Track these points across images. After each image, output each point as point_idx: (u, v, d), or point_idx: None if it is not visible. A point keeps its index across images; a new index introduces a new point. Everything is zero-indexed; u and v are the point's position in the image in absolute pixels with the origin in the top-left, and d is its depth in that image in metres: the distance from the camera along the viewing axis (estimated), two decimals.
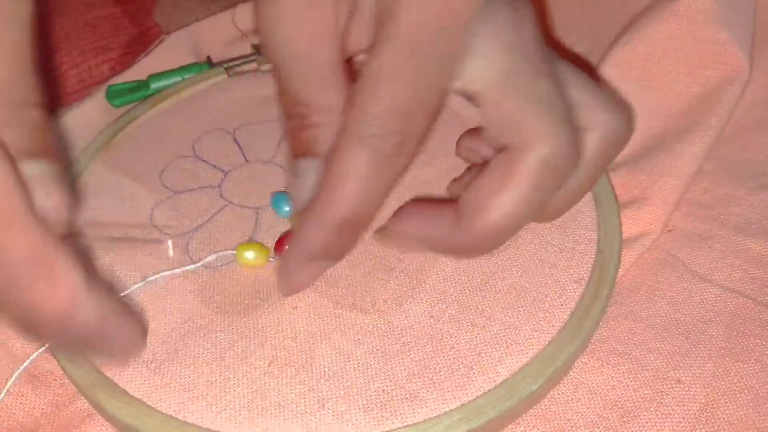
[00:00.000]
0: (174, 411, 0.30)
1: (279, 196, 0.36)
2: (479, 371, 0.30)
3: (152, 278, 0.34)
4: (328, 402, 0.29)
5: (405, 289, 0.33)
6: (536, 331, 0.31)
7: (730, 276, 0.35)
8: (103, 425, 0.32)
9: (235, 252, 0.35)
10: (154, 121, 0.42)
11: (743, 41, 0.40)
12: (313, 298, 0.33)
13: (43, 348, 0.32)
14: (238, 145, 0.40)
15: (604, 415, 0.31)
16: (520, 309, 0.32)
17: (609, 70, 0.42)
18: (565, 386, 0.32)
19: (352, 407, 0.29)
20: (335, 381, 0.30)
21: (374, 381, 0.30)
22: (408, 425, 0.29)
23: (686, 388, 0.31)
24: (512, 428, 0.31)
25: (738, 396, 0.31)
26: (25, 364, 0.33)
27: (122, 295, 0.34)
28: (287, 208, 0.36)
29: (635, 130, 0.40)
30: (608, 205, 0.36)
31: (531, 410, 0.31)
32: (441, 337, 0.31)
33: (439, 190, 0.37)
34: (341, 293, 0.33)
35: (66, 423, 0.32)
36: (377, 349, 0.31)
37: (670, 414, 0.30)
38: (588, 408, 0.31)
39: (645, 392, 0.31)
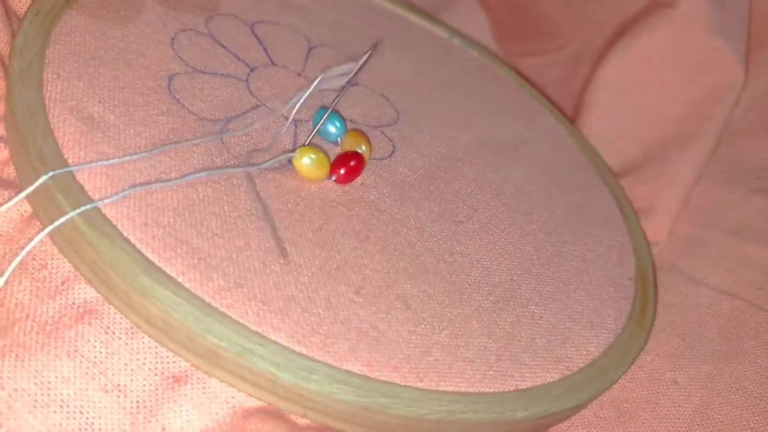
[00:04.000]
0: (253, 323, 0.23)
1: (325, 114, 0.30)
2: (573, 347, 0.28)
3: (214, 171, 0.26)
4: (433, 350, 0.25)
5: (479, 246, 0.30)
6: (610, 317, 0.30)
7: (725, 279, 0.36)
8: (108, 327, 0.24)
9: (296, 154, 0.28)
10: None
11: (738, 48, 0.42)
12: (385, 233, 0.28)
13: (43, 233, 0.23)
14: (260, 42, 0.33)
15: (602, 415, 0.31)
16: (592, 293, 0.31)
17: (606, 76, 0.42)
18: None
19: (458, 361, 0.25)
20: (432, 327, 0.26)
21: (474, 336, 0.27)
22: (520, 389, 0.26)
23: (682, 389, 0.32)
24: None
25: (733, 397, 0.32)
26: (27, 248, 0.23)
27: (169, 182, 0.25)
28: (334, 130, 0.30)
29: (633, 137, 0.41)
30: (631, 215, 0.36)
31: None
32: (527, 303, 0.29)
33: (482, 155, 0.35)
34: (414, 234, 0.29)
35: (52, 321, 0.23)
36: (469, 302, 0.28)
37: (667, 414, 0.31)
38: (586, 408, 0.30)
39: (642, 393, 0.31)
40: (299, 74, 0.33)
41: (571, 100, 0.44)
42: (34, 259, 0.24)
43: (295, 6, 0.37)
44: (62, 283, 0.24)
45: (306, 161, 0.28)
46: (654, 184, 0.39)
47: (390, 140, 0.33)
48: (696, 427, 0.30)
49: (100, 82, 0.27)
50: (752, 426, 0.31)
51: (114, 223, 0.23)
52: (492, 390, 0.25)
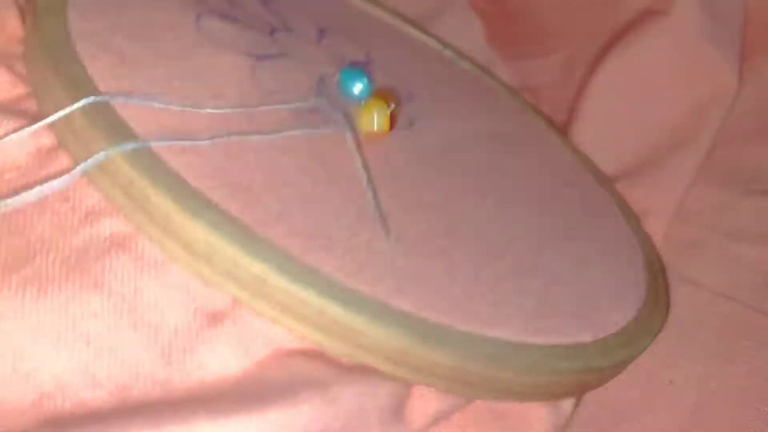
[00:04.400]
0: (300, 254, 0.22)
1: (351, 71, 0.30)
2: (600, 311, 0.28)
3: (311, 132, 0.25)
4: (475, 298, 0.24)
5: (500, 217, 0.30)
6: (629, 293, 0.30)
7: (721, 281, 0.36)
8: (139, 261, 0.22)
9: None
10: None
11: (732, 56, 0.42)
12: (414, 192, 0.28)
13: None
14: (276, 12, 0.33)
15: (597, 415, 0.30)
16: (609, 270, 0.30)
17: (600, 84, 0.42)
18: None
19: (500, 312, 0.25)
20: (472, 281, 0.25)
21: (510, 294, 0.26)
22: (559, 344, 0.25)
23: (678, 389, 0.32)
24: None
25: (728, 397, 0.31)
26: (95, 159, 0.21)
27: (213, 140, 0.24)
28: (359, 87, 0.29)
29: (626, 144, 0.42)
30: (631, 215, 0.37)
31: None
32: (551, 271, 0.28)
33: (490, 144, 0.35)
34: (440, 198, 0.29)
35: (77, 254, 0.22)
36: (498, 264, 0.27)
37: (662, 414, 0.31)
38: (582, 408, 0.30)
39: (637, 393, 0.31)
40: (316, 45, 0.33)
41: (565, 105, 0.44)
42: (54, 193, 0.22)
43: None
44: (86, 216, 0.22)
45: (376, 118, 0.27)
46: (647, 189, 0.39)
47: (407, 114, 0.32)
48: (691, 427, 0.30)
49: (126, 21, 0.26)
50: (747, 426, 0.31)
51: (152, 146, 0.22)
52: (537, 342, 0.24)
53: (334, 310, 0.21)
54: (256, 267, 0.21)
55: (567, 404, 0.27)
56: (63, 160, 0.23)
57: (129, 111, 0.23)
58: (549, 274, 0.28)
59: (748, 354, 0.33)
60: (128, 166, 0.21)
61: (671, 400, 0.31)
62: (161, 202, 0.21)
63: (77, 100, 0.22)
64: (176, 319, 0.22)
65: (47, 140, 0.24)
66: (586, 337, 0.26)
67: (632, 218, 0.36)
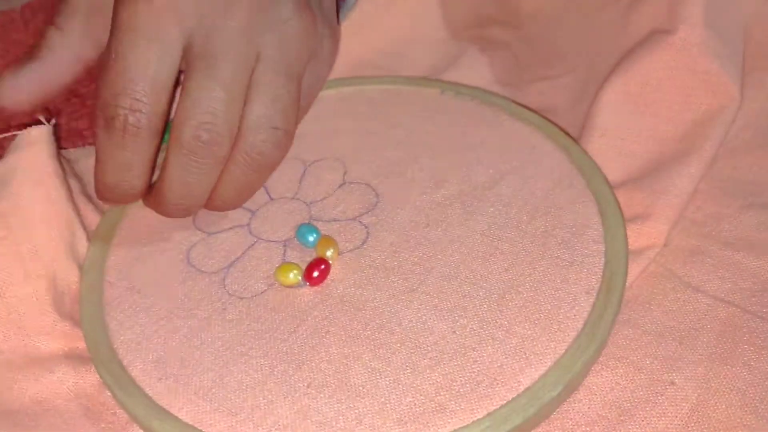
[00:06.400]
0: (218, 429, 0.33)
1: (303, 228, 0.40)
2: (502, 382, 0.33)
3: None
4: (365, 418, 0.32)
5: (427, 308, 0.36)
6: (552, 341, 0.34)
7: (721, 287, 0.38)
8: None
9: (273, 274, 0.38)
10: None
11: (733, 71, 0.43)
12: (344, 322, 0.36)
13: None
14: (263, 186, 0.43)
15: (604, 414, 0.34)
16: (536, 322, 0.35)
17: (608, 97, 0.44)
18: None
19: (387, 422, 0.32)
20: (370, 398, 0.33)
21: (405, 396, 0.33)
22: None
23: (679, 390, 0.34)
24: None
25: (727, 397, 0.33)
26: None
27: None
28: (311, 239, 0.39)
29: (634, 154, 0.44)
30: (613, 217, 0.39)
31: None
32: (464, 351, 0.34)
33: (454, 209, 0.40)
34: (369, 315, 0.36)
35: None
36: (407, 366, 0.34)
37: (664, 413, 0.33)
38: (589, 408, 0.33)
39: (641, 393, 0.34)
40: (292, 198, 0.42)
41: (580, 122, 0.46)
42: (108, 409, 0.37)
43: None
44: (126, 423, 0.36)
45: (290, 275, 0.38)
46: (650, 193, 0.41)
47: (365, 227, 0.40)
48: (692, 425, 0.33)
49: (138, 275, 0.39)
50: (745, 424, 0.33)
51: (137, 382, 0.35)
52: None
53: None
54: None
55: None
56: None
57: (128, 355, 0.36)
58: (460, 356, 0.34)
59: (747, 356, 0.35)
60: (120, 404, 0.35)
61: (673, 400, 0.34)
62: (130, 408, 0.34)
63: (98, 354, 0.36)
64: None
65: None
66: (475, 416, 0.32)
67: (613, 226, 0.38)
